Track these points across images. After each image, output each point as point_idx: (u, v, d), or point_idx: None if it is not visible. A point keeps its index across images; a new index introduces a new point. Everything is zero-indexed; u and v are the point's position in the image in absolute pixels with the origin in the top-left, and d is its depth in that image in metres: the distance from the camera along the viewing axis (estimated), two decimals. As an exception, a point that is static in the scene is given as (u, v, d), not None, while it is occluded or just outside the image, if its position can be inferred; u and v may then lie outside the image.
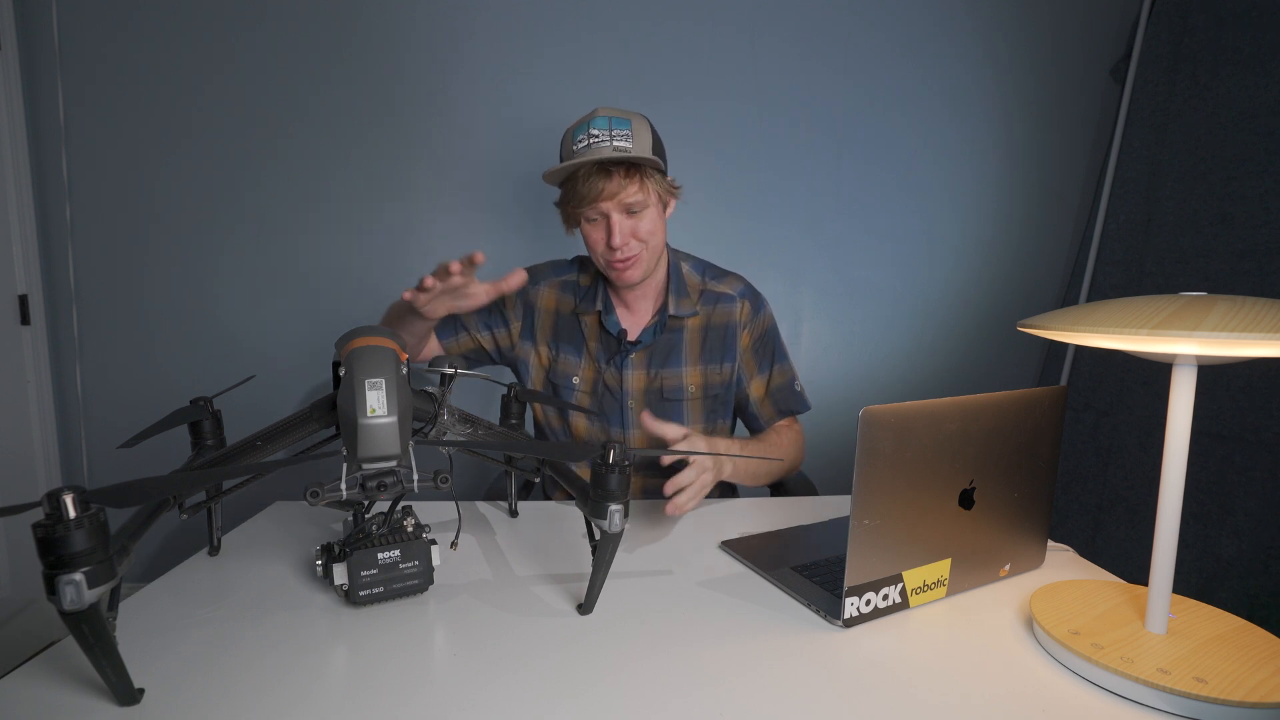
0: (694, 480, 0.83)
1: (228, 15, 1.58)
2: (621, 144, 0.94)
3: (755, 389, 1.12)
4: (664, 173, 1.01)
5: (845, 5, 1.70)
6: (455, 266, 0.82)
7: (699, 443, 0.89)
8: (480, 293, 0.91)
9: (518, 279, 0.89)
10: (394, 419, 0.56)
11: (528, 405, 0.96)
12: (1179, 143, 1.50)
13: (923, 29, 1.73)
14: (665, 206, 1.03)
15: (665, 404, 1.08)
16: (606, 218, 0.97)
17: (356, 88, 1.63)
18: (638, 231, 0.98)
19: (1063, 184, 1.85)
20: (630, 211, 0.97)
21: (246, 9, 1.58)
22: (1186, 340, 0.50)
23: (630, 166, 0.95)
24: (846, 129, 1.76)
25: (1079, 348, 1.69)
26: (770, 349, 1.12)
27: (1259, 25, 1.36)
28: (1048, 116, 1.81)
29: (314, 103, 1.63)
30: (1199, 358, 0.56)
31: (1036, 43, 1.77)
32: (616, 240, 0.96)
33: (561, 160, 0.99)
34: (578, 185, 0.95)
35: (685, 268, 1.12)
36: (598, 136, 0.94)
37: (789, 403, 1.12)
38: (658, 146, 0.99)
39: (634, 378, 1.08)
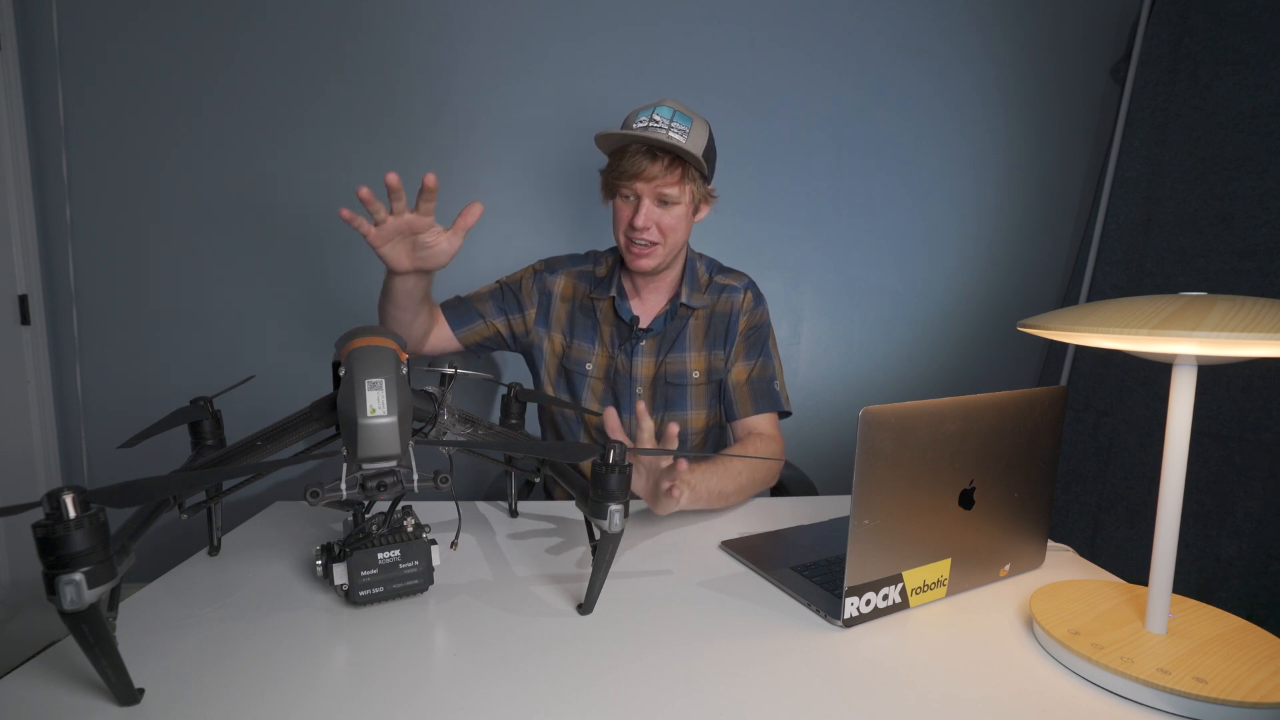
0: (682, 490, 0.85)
1: (228, 15, 1.58)
2: (677, 137, 0.97)
3: (737, 373, 1.13)
4: (706, 179, 1.06)
5: (845, 5, 1.70)
6: (392, 178, 0.75)
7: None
8: (442, 240, 0.82)
9: (475, 210, 0.79)
10: (394, 419, 0.56)
11: (528, 404, 0.96)
12: (1179, 143, 1.50)
13: (923, 29, 1.73)
14: (696, 210, 1.07)
15: (670, 389, 1.12)
16: (639, 199, 1.01)
17: (357, 88, 1.63)
18: (661, 223, 1.02)
19: (1063, 184, 1.85)
20: (662, 202, 1.01)
21: (247, 9, 1.58)
22: (1186, 340, 0.50)
23: (675, 159, 0.99)
24: (846, 129, 1.76)
25: (1079, 348, 1.69)
26: (760, 342, 1.14)
27: (1259, 25, 1.36)
28: (1048, 116, 1.81)
29: (314, 103, 1.63)
30: (1199, 358, 0.56)
31: (1036, 43, 1.77)
32: (640, 221, 1.00)
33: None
34: (623, 159, 0.99)
35: (699, 265, 1.16)
36: (658, 122, 0.98)
37: (766, 397, 1.12)
38: (709, 153, 1.03)
39: (643, 364, 1.11)
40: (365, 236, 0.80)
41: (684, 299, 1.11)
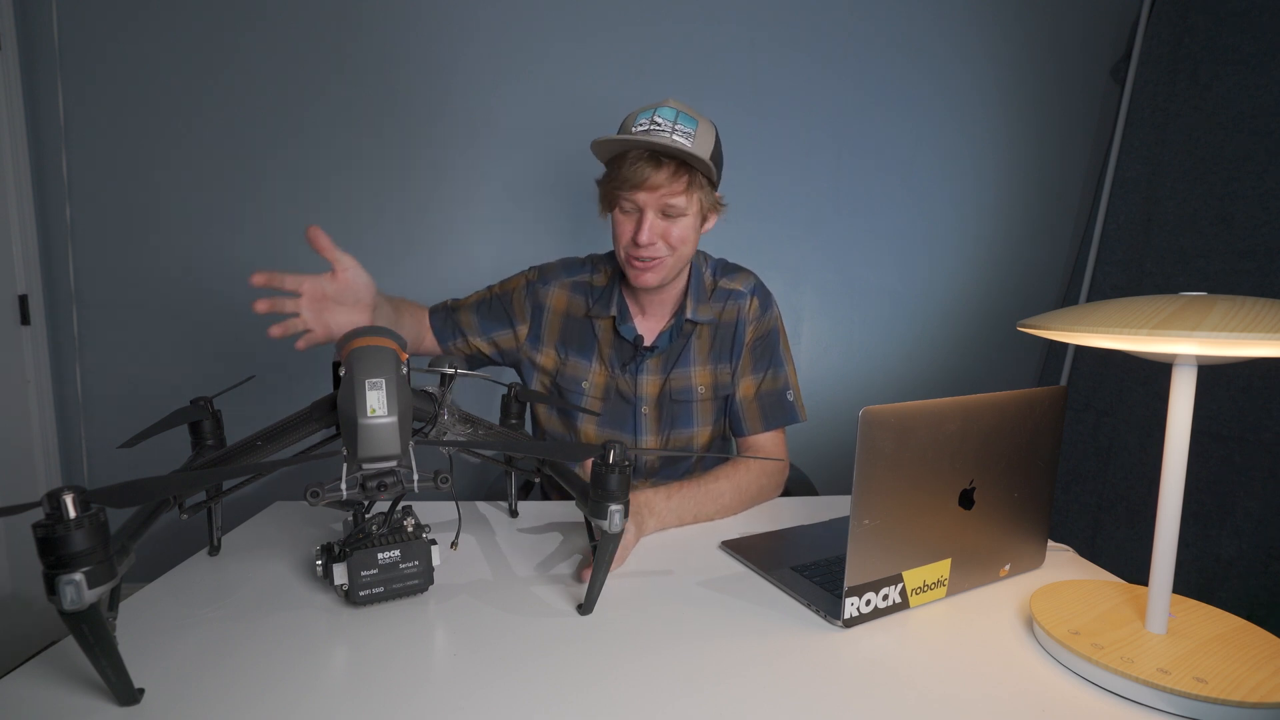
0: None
1: (228, 15, 1.58)
2: (682, 140, 0.88)
3: (744, 388, 1.06)
4: (714, 185, 0.97)
5: (845, 5, 1.70)
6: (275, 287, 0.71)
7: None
8: (345, 274, 0.76)
9: (320, 235, 0.72)
10: (394, 419, 0.56)
11: (528, 405, 0.95)
12: (1179, 143, 1.50)
13: (923, 29, 1.73)
14: (704, 220, 0.99)
15: (675, 406, 1.06)
16: (641, 212, 0.92)
17: (357, 88, 1.63)
18: (668, 235, 0.94)
19: (1063, 184, 1.85)
20: (667, 214, 0.93)
21: (247, 9, 1.58)
22: (1186, 340, 0.50)
23: (681, 165, 0.90)
24: (846, 129, 1.76)
25: (1079, 348, 1.69)
26: (769, 351, 1.08)
27: (1259, 25, 1.36)
28: (1048, 116, 1.81)
29: (314, 103, 1.63)
30: (1199, 358, 0.56)
31: (1036, 43, 1.77)
32: (644, 238, 0.92)
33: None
34: (624, 167, 0.90)
35: (705, 270, 1.09)
36: (660, 125, 0.89)
37: (776, 411, 1.06)
38: (717, 157, 0.95)
39: (648, 383, 1.06)
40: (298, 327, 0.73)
41: (689, 314, 1.03)
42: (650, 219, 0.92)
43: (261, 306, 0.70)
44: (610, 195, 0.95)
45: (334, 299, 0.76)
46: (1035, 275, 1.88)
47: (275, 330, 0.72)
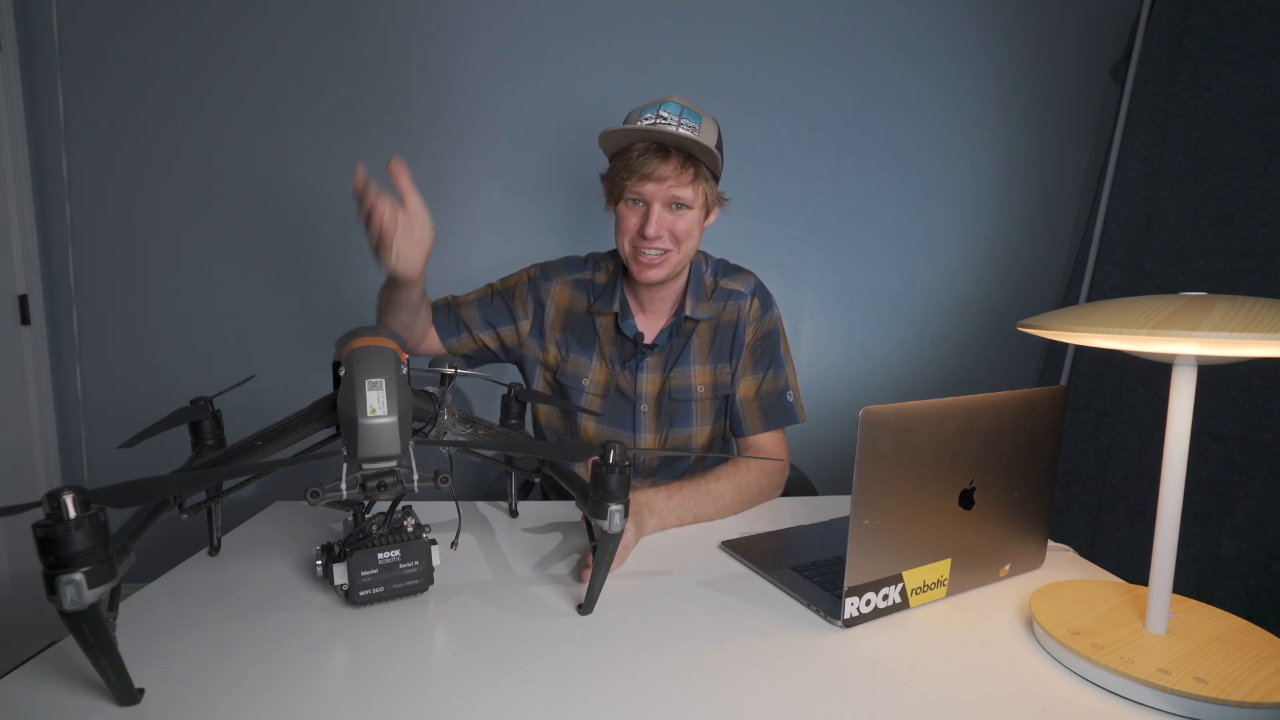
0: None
1: (228, 15, 1.58)
2: (687, 133, 0.90)
3: (744, 388, 1.07)
4: (716, 179, 0.99)
5: (845, 5, 1.70)
6: (359, 178, 0.77)
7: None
8: (414, 211, 0.79)
9: (402, 169, 0.78)
10: (394, 419, 0.56)
11: (528, 405, 0.95)
12: (1179, 143, 1.50)
13: (923, 29, 1.73)
14: (708, 214, 1.00)
15: (674, 404, 1.07)
16: (647, 205, 0.94)
17: (357, 87, 1.63)
18: (674, 229, 0.95)
19: (1063, 184, 1.85)
20: (673, 206, 0.94)
21: (247, 9, 1.58)
22: (1186, 340, 0.50)
23: (688, 158, 0.92)
24: (846, 129, 1.76)
25: (1079, 348, 1.69)
26: (770, 351, 1.09)
27: (1259, 25, 1.36)
28: (1048, 116, 1.81)
29: (314, 102, 1.63)
30: (1199, 358, 0.56)
31: (1036, 43, 1.77)
32: (651, 230, 0.93)
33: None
34: (630, 159, 0.91)
35: (705, 269, 1.10)
36: (666, 119, 0.90)
37: (776, 412, 1.07)
38: (719, 149, 0.97)
39: (648, 381, 1.06)
40: (383, 244, 0.80)
41: (689, 311, 1.04)
42: (657, 211, 0.93)
43: (360, 175, 0.79)
44: (616, 188, 0.95)
45: (403, 228, 0.79)
46: (1035, 275, 1.88)
47: (361, 176, 0.79)
